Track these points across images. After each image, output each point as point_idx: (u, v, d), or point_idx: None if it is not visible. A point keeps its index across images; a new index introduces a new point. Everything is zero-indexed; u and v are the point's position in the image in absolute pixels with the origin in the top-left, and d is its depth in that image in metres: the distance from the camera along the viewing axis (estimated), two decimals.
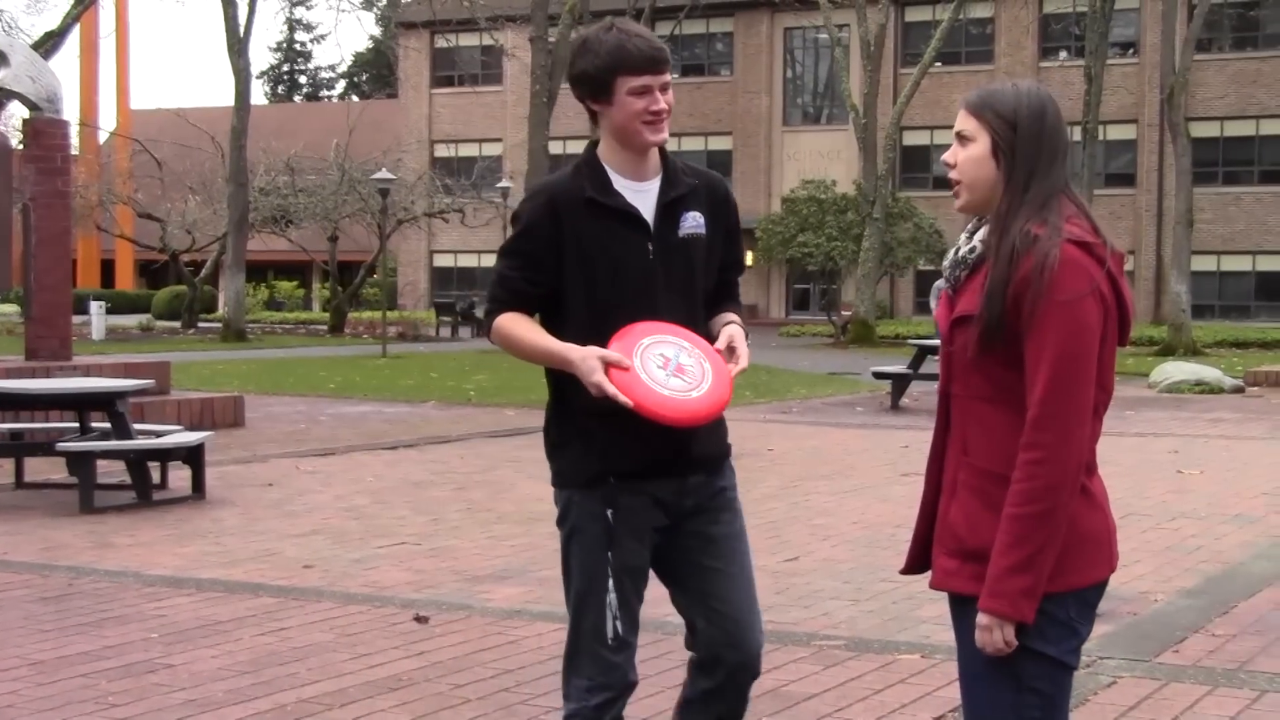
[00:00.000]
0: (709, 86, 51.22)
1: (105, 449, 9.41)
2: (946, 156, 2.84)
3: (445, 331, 42.26)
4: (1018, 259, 2.69)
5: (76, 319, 20.38)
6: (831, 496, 9.87)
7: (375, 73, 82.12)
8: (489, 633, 5.92)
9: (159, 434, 10.12)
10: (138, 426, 10.04)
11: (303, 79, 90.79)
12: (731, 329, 3.38)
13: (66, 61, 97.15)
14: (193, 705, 4.89)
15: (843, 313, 38.42)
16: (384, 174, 33.88)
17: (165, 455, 9.76)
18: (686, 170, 3.41)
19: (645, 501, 3.33)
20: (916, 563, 2.97)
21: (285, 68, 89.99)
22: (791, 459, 11.99)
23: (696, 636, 3.45)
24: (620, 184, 3.32)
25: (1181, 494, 9.96)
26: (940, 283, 3.00)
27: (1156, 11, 40.38)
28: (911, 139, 45.59)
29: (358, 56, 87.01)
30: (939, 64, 42.11)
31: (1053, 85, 3.07)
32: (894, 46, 46.52)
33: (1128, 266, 43.25)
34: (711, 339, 3.36)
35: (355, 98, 75.85)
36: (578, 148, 47.91)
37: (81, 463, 9.23)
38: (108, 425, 9.76)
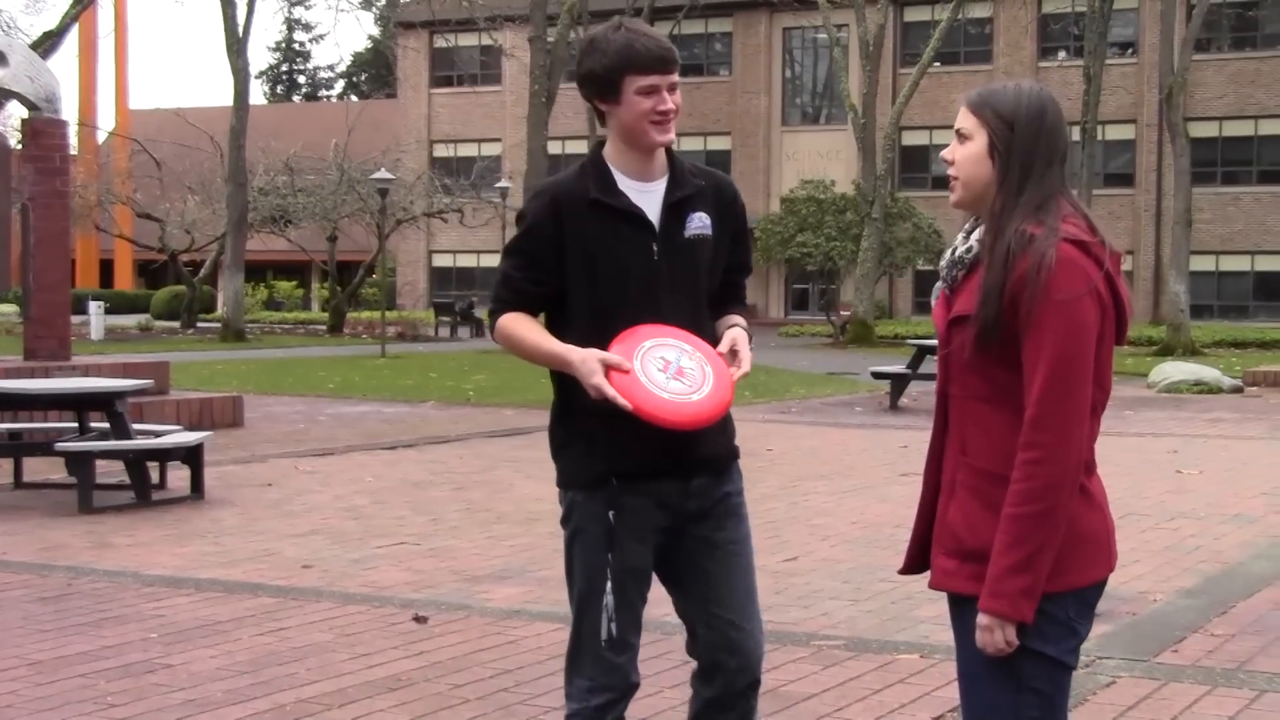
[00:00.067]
0: (708, 86, 51.22)
1: (104, 449, 9.41)
2: (945, 153, 2.84)
3: (444, 331, 42.24)
4: (1013, 259, 2.69)
5: (75, 319, 20.36)
6: (830, 496, 9.87)
7: (374, 73, 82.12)
8: (488, 633, 5.92)
9: (158, 434, 10.12)
10: (136, 426, 10.04)
11: (302, 79, 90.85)
12: (735, 332, 3.37)
13: (65, 61, 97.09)
14: (192, 705, 4.89)
15: (841, 313, 38.42)
16: (383, 174, 33.88)
17: (164, 455, 9.76)
18: (694, 171, 3.40)
19: (648, 503, 3.32)
20: (915, 563, 2.97)
21: (284, 68, 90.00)
22: (790, 459, 11.99)
23: (697, 642, 3.44)
24: (626, 184, 3.31)
25: (1180, 494, 9.96)
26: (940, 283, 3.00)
27: (1155, 11, 40.41)
28: (910, 139, 45.58)
29: (356, 56, 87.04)
30: (938, 64, 42.13)
31: (1051, 85, 3.05)
32: (893, 46, 46.53)
33: (1126, 266, 43.28)
34: (716, 341, 3.36)
35: (354, 98, 75.84)
36: (577, 148, 47.76)
37: (80, 463, 9.23)
38: (106, 425, 9.76)
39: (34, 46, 29.35)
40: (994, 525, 2.70)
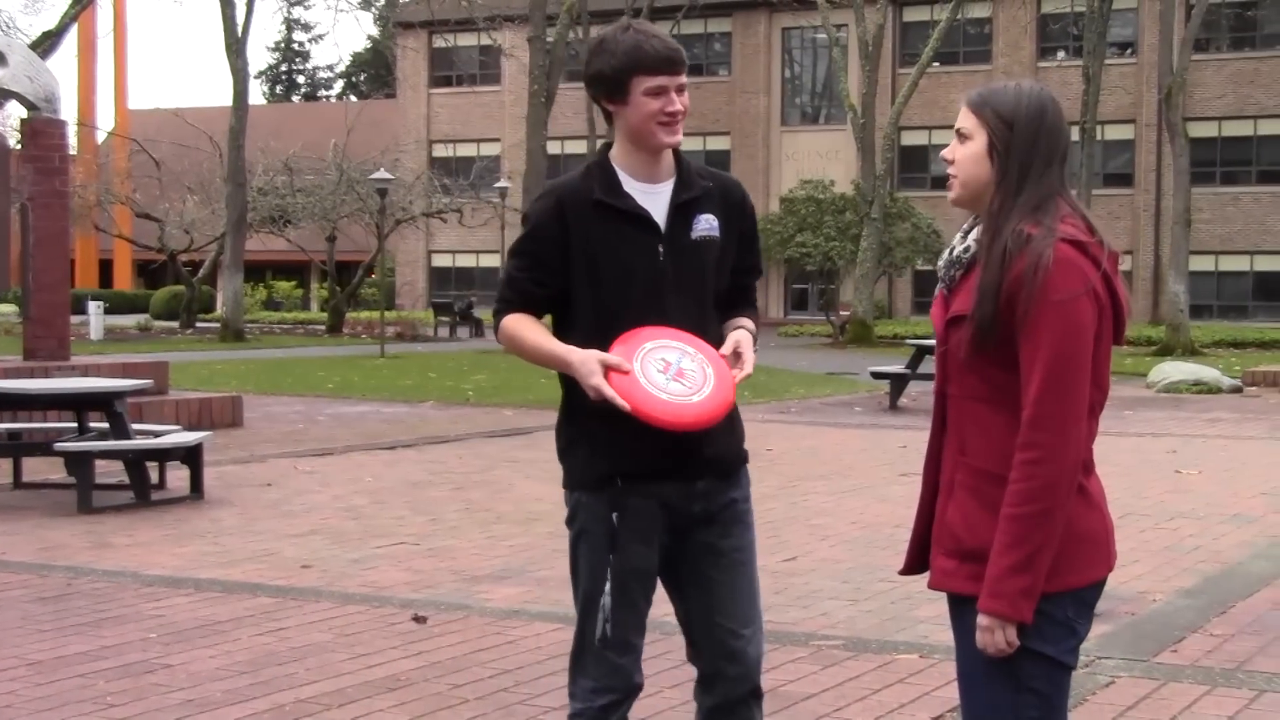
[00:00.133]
0: (707, 86, 51.19)
1: (103, 449, 9.41)
2: (945, 153, 2.85)
3: (443, 331, 42.25)
4: (1010, 260, 2.68)
5: (74, 319, 20.37)
6: (830, 496, 9.87)
7: (373, 73, 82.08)
8: (487, 633, 5.92)
9: (157, 434, 10.12)
10: (136, 426, 10.04)
11: (301, 79, 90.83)
12: (738, 334, 3.35)
13: (64, 61, 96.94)
14: (191, 705, 4.89)
15: (841, 312, 38.42)
16: (382, 174, 33.89)
17: (163, 455, 9.76)
18: (701, 172, 3.39)
19: (652, 504, 3.31)
20: (915, 563, 2.97)
21: (283, 68, 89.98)
22: (790, 459, 11.99)
23: (696, 649, 3.44)
24: (632, 186, 3.30)
25: (1179, 494, 9.96)
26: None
27: (1154, 11, 40.40)
28: (909, 139, 45.58)
29: (356, 56, 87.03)
30: (937, 64, 42.12)
31: (1051, 85, 3.06)
32: (892, 46, 46.52)
33: (1125, 266, 43.31)
34: (721, 344, 3.35)
35: (353, 98, 75.86)
36: (576, 148, 47.75)
37: (79, 463, 9.23)
38: (106, 425, 9.76)
39: (33, 46, 29.37)
40: (992, 525, 2.70)
